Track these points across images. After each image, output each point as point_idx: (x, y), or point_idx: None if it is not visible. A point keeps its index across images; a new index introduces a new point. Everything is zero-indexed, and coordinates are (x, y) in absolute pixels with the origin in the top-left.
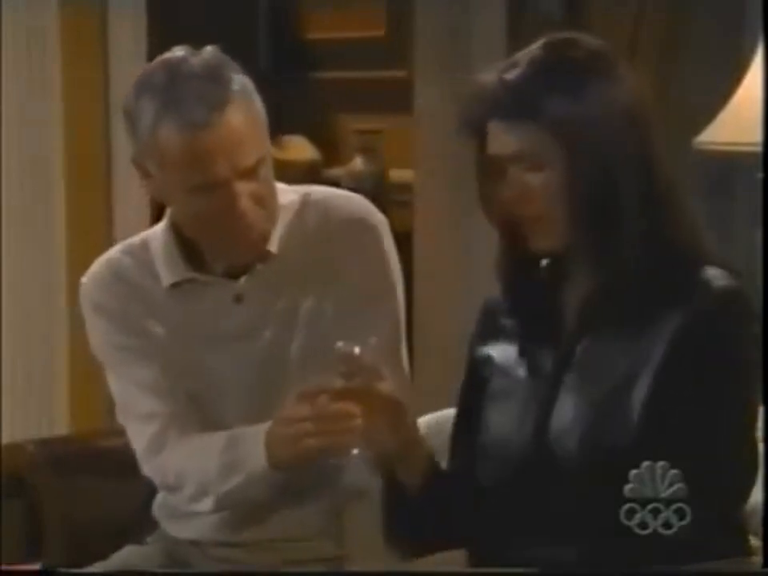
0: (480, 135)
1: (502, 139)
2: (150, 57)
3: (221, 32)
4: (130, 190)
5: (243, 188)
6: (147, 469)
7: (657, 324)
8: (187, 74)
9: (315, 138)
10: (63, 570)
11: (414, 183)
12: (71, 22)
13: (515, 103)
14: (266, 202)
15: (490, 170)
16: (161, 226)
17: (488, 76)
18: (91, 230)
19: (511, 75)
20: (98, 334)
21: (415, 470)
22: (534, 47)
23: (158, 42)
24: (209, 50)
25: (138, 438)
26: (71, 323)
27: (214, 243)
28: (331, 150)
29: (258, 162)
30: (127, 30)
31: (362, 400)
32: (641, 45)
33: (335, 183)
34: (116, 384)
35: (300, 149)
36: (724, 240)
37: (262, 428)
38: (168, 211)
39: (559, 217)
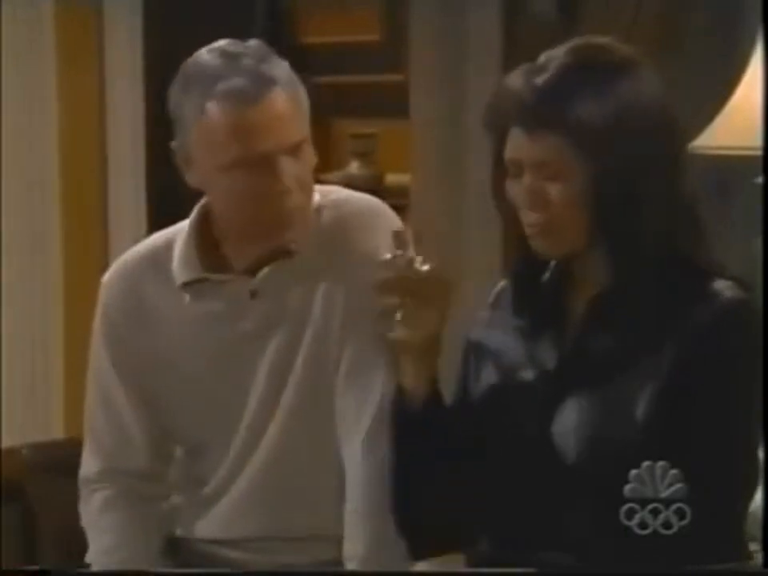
0: (500, 136)
1: (524, 146)
2: (146, 62)
3: (217, 36)
4: (125, 192)
5: (288, 166)
6: (82, 503)
7: (664, 330)
8: (236, 54)
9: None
10: (62, 570)
11: (411, 187)
12: (66, 26)
13: (541, 113)
14: (306, 187)
15: (506, 170)
16: (186, 222)
17: (516, 79)
18: (87, 234)
19: (539, 81)
20: (95, 342)
21: (418, 382)
22: (563, 50)
23: (154, 47)
24: (254, 41)
25: (86, 463)
26: (67, 327)
27: (244, 230)
28: (327, 154)
29: (302, 142)
30: (123, 35)
31: (409, 283)
32: (637, 48)
33: None
34: (90, 397)
35: None
36: (719, 244)
37: None
38: (197, 208)
39: (572, 226)
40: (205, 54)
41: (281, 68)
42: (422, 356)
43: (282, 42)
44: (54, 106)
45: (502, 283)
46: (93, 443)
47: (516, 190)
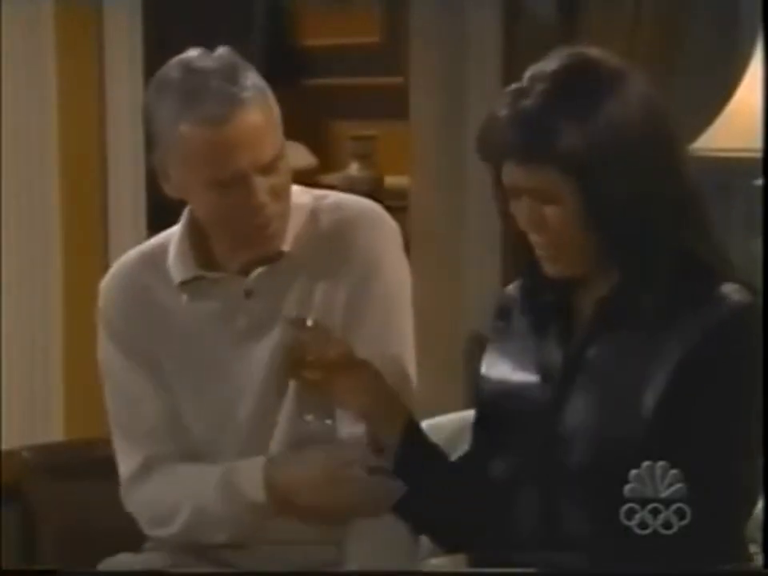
0: (496, 164)
1: (517, 176)
2: (146, 62)
3: (216, 38)
4: (125, 192)
5: (261, 182)
6: (133, 501)
7: (671, 333)
8: (204, 72)
9: (311, 145)
10: (67, 570)
11: (410, 189)
12: (66, 26)
13: (526, 144)
14: (283, 197)
15: (506, 194)
16: (179, 225)
17: (501, 109)
18: (87, 235)
19: (523, 109)
20: (101, 346)
21: (392, 428)
22: (547, 69)
23: (154, 47)
24: (222, 50)
25: (125, 463)
26: (67, 330)
27: (229, 239)
28: (327, 156)
29: (276, 158)
30: (123, 35)
31: (327, 367)
32: (637, 49)
33: (331, 189)
34: (110, 400)
35: (296, 155)
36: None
37: (259, 462)
38: (186, 210)
39: (573, 246)
40: (173, 70)
41: (249, 82)
42: (378, 418)
43: (282, 43)
44: (53, 106)
45: (507, 289)
46: (127, 441)
47: (518, 211)
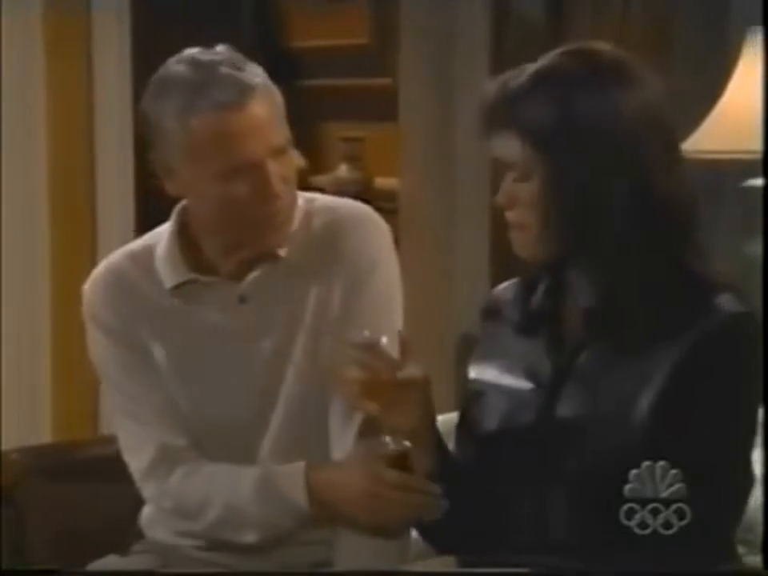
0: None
1: (497, 148)
2: (135, 64)
3: (205, 40)
4: (114, 193)
5: (276, 169)
6: (152, 490)
7: (665, 338)
8: (212, 63)
9: (300, 146)
10: (64, 570)
11: (399, 191)
12: (54, 23)
13: (504, 115)
14: (291, 188)
15: (496, 173)
16: (165, 228)
17: (495, 85)
18: (75, 235)
19: (510, 86)
20: (95, 345)
21: (431, 445)
22: (549, 56)
23: (143, 49)
24: (221, 46)
25: (136, 457)
26: (55, 331)
27: (227, 239)
28: (316, 157)
29: (285, 144)
30: (112, 38)
31: (389, 389)
32: (624, 49)
33: (320, 191)
34: (113, 399)
35: None
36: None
37: (300, 467)
38: (175, 212)
39: (539, 228)
40: (177, 66)
41: (256, 73)
42: (425, 438)
43: (271, 45)
44: (42, 109)
45: (495, 291)
46: (139, 431)
47: (499, 192)
